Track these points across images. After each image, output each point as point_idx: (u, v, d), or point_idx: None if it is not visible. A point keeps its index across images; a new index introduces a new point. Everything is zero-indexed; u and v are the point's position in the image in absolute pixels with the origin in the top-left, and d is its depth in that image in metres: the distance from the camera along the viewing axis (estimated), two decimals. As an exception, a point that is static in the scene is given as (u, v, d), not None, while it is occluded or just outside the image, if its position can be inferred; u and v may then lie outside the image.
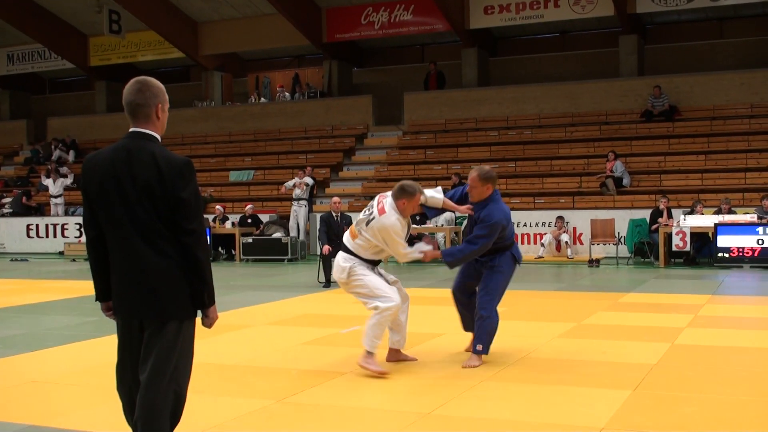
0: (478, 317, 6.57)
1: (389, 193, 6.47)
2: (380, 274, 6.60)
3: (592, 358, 6.84)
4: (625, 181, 20.03)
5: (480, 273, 6.74)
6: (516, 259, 6.80)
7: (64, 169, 27.01)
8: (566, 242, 18.25)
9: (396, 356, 6.80)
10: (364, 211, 6.55)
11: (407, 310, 6.73)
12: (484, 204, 6.63)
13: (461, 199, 6.97)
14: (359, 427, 4.99)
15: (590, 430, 4.83)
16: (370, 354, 6.33)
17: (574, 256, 18.08)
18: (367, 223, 6.40)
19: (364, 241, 6.42)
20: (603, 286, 13.24)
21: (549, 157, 22.09)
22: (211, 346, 7.80)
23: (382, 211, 6.34)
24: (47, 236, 24.21)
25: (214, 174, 25.76)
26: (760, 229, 15.51)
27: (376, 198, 6.53)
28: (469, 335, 6.91)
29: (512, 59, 26.58)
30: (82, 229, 18.85)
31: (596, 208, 19.13)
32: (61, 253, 23.05)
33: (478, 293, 6.68)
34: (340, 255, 6.55)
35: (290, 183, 21.31)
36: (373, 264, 6.57)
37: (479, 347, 6.59)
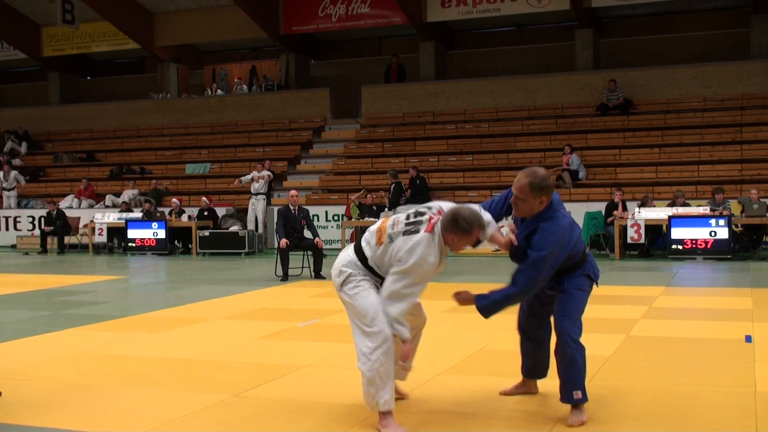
0: (561, 354, 4.89)
1: (448, 205, 4.83)
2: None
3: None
4: (581, 174, 20.21)
5: (551, 296, 5.10)
6: (592, 278, 5.09)
7: (16, 161, 26.60)
8: (523, 235, 18.33)
9: None
10: (409, 215, 4.83)
11: (417, 337, 5.25)
12: (534, 222, 4.84)
13: (504, 213, 5.11)
14: (318, 421, 4.97)
15: (547, 421, 4.86)
16: (384, 417, 4.78)
17: (530, 249, 18.16)
18: (405, 233, 4.71)
19: (384, 254, 4.81)
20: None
21: (506, 151, 22.20)
22: (167, 340, 7.74)
23: (430, 229, 4.67)
24: (-1, 229, 23.85)
25: (170, 167, 25.53)
26: (713, 222, 15.73)
27: (435, 205, 4.84)
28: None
29: (469, 52, 26.67)
30: (35, 222, 18.53)
31: (550, 201, 19.21)
32: (13, 246, 22.71)
33: (556, 320, 4.99)
34: (345, 255, 5.03)
35: (247, 177, 21.16)
36: (381, 279, 4.93)
37: (577, 395, 4.85)
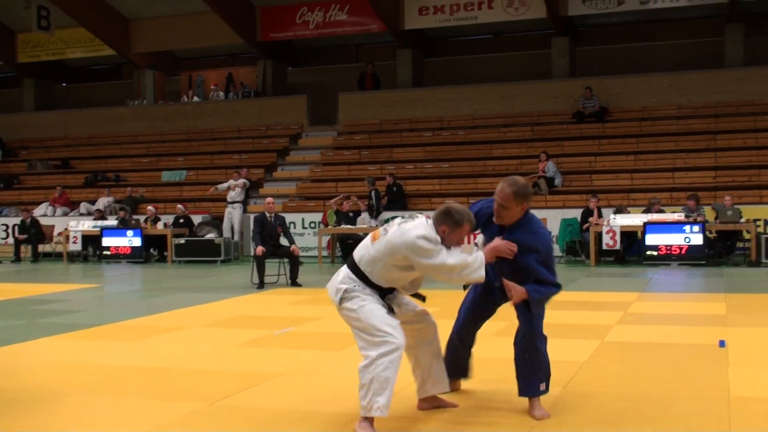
0: (532, 348, 5.10)
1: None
2: (385, 305, 4.93)
3: (525, 356, 6.89)
4: (557, 181, 20.30)
5: (495, 305, 5.43)
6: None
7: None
8: (500, 242, 18.35)
9: (431, 402, 5.30)
10: (401, 219, 5.02)
11: (433, 344, 5.24)
12: (517, 227, 5.11)
13: (486, 224, 5.29)
14: (292, 429, 4.96)
15: (522, 427, 4.87)
16: (366, 420, 4.76)
17: (507, 256, 18.18)
18: (400, 224, 4.90)
19: (381, 252, 4.85)
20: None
21: (483, 158, 22.27)
22: (143, 349, 7.69)
23: (424, 219, 4.90)
24: (-27, 238, 23.61)
25: (146, 174, 25.41)
26: (687, 228, 15.84)
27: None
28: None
29: (447, 60, 26.74)
30: (9, 230, 18.31)
31: (529, 207, 19.28)
32: (-13, 255, 22.50)
33: (524, 317, 5.15)
34: (340, 275, 5.02)
35: (223, 185, 21.07)
36: (380, 291, 4.94)
37: (542, 386, 5.12)
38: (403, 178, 21.48)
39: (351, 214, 18.94)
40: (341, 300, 4.90)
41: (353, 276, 4.92)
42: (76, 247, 20.10)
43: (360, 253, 4.97)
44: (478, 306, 5.47)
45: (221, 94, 27.62)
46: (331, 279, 5.06)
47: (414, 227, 4.79)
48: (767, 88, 21.63)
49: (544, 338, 5.17)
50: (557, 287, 5.13)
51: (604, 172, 20.83)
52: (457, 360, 5.55)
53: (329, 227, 18.95)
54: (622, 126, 22.20)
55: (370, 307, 4.82)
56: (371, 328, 4.76)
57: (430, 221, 4.84)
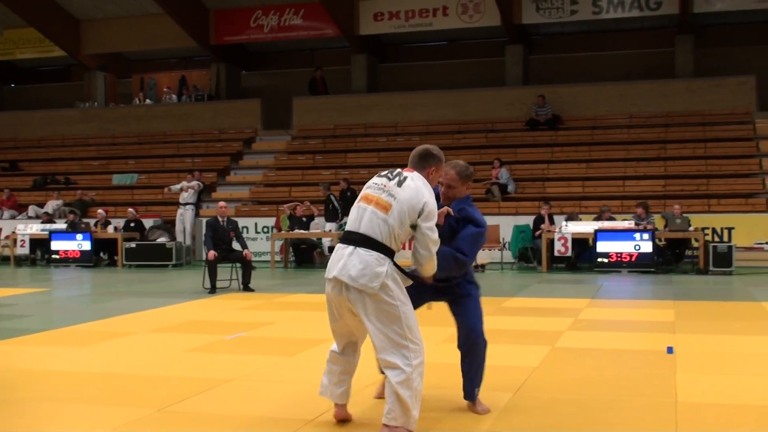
0: (476, 353, 5.28)
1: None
2: None
3: (476, 362, 6.91)
4: (510, 187, 20.44)
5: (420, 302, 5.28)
6: (478, 285, 5.46)
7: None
8: (453, 248, 18.40)
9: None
10: (379, 181, 4.92)
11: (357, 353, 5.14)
12: (460, 204, 5.36)
13: None
14: (243, 435, 4.92)
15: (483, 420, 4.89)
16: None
17: (460, 262, 18.23)
18: (400, 184, 4.79)
19: (398, 219, 4.67)
20: (488, 291, 13.39)
21: (436, 164, 22.29)
22: (91, 355, 7.57)
23: (410, 171, 4.92)
24: None
25: (97, 177, 25.08)
26: (637, 236, 16.04)
27: (398, 172, 4.93)
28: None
29: (401, 66, 26.81)
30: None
31: (482, 214, 19.37)
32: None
33: (464, 322, 5.27)
34: (365, 253, 4.63)
35: (176, 186, 20.89)
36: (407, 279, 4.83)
37: (479, 390, 5.33)
38: (357, 183, 21.44)
39: (304, 219, 18.87)
40: (383, 289, 4.56)
41: (383, 256, 4.63)
42: (23, 250, 19.76)
43: (371, 227, 4.68)
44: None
45: (174, 97, 27.39)
46: (342, 263, 4.65)
47: (423, 185, 4.77)
48: (716, 99, 22.04)
49: (485, 342, 5.32)
50: (466, 264, 5.21)
51: (556, 179, 21.03)
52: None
53: (282, 232, 18.86)
54: (575, 134, 22.44)
55: (410, 307, 4.70)
56: (407, 330, 4.60)
57: (416, 173, 4.87)
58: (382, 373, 4.83)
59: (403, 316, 4.60)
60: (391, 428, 4.60)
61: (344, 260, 4.66)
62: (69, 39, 27.12)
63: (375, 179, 4.93)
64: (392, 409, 4.57)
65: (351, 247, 4.69)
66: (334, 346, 5.07)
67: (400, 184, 4.77)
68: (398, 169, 4.94)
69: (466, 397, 5.31)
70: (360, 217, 4.77)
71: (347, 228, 4.82)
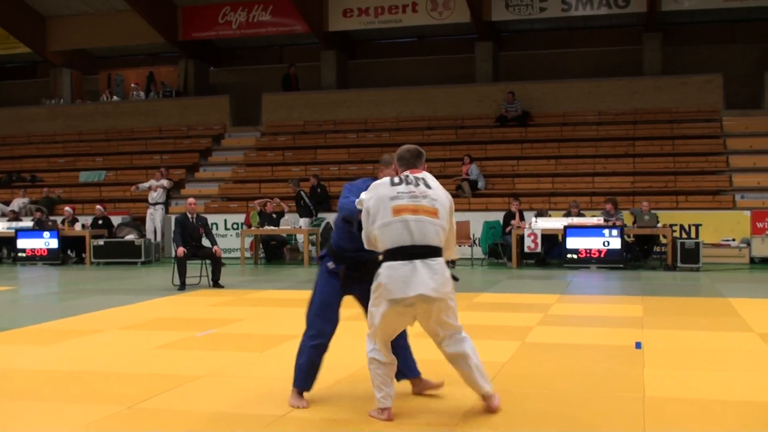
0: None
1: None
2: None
3: (447, 357, 6.93)
4: (480, 184, 20.50)
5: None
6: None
7: None
8: (423, 244, 18.40)
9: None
10: (405, 190, 4.93)
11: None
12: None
13: None
14: (213, 432, 4.89)
15: (443, 428, 4.89)
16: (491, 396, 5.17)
17: (430, 258, 18.25)
18: (428, 186, 4.99)
19: (447, 220, 5.01)
20: (458, 287, 13.40)
21: (406, 160, 22.30)
22: (60, 352, 7.50)
23: (417, 171, 5.12)
24: None
25: (63, 174, 24.83)
26: (606, 232, 16.15)
27: (411, 176, 5.03)
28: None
29: (371, 62, 26.79)
30: None
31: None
32: None
33: None
34: (433, 262, 4.88)
35: (144, 185, 20.74)
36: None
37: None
38: (327, 179, 21.42)
39: (274, 216, 18.82)
40: (450, 291, 4.97)
41: (443, 262, 4.97)
42: (-11, 248, 19.54)
43: (428, 234, 4.85)
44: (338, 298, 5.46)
45: (141, 93, 27.16)
46: (418, 279, 4.79)
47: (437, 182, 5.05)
48: (683, 97, 22.24)
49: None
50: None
51: (526, 175, 21.12)
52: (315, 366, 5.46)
53: (252, 228, 18.80)
54: (544, 131, 22.55)
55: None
56: (456, 317, 5.03)
57: (425, 172, 5.07)
58: (405, 376, 5.47)
59: (456, 311, 5.06)
60: (494, 395, 5.11)
61: (418, 276, 4.78)
62: (35, 36, 26.80)
63: (398, 188, 4.91)
64: (484, 377, 5.08)
65: (416, 261, 4.81)
66: (381, 356, 5.03)
67: (428, 186, 4.95)
68: (407, 173, 5.02)
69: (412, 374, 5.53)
70: (409, 228, 4.82)
71: (395, 245, 4.82)
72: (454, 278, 5.12)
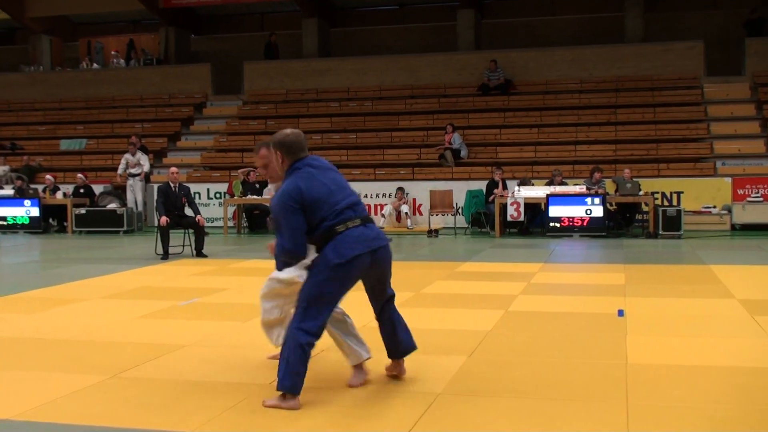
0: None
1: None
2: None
3: (430, 326, 6.97)
4: (463, 152, 20.49)
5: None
6: (332, 257, 4.80)
7: None
8: (406, 213, 18.50)
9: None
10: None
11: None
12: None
13: None
14: (199, 401, 4.89)
15: (427, 396, 4.92)
16: None
17: (414, 227, 18.36)
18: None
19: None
20: (441, 256, 13.53)
21: (389, 129, 22.31)
22: (43, 321, 7.48)
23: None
24: None
25: (44, 142, 24.64)
26: (589, 200, 16.21)
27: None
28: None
29: (353, 30, 26.64)
30: None
31: (435, 179, 19.50)
32: None
33: None
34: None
35: (121, 168, 20.29)
36: None
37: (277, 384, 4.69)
38: (310, 148, 21.32)
39: (257, 185, 18.76)
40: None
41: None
42: (-31, 217, 19.39)
43: None
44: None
45: (122, 61, 26.91)
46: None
47: None
48: (665, 64, 22.24)
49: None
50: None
51: (508, 144, 21.13)
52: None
53: (235, 198, 18.74)
54: (526, 99, 22.53)
55: None
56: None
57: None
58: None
59: None
60: None
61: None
62: (12, 1, 26.45)
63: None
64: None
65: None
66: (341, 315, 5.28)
67: None
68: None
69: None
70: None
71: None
72: None
